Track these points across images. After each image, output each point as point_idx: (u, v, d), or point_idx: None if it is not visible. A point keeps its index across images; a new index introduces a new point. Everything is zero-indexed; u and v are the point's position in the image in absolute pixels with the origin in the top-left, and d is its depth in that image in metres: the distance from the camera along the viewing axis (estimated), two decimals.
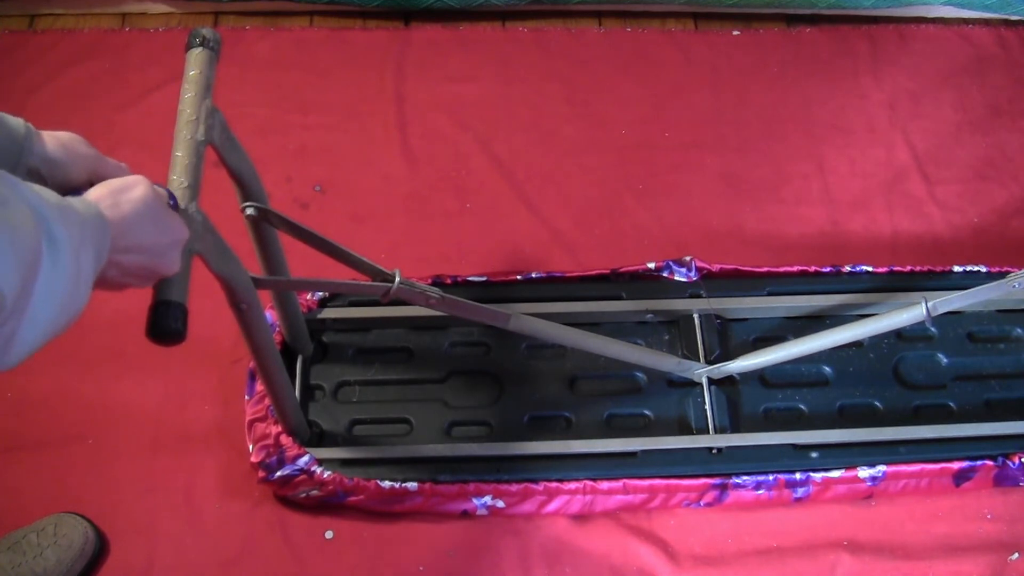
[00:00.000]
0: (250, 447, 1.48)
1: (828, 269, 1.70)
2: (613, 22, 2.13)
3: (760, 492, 1.50)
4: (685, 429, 1.53)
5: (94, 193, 0.82)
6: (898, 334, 1.64)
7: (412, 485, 1.45)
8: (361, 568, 1.48)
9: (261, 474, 1.46)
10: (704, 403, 1.55)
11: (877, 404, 1.58)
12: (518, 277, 1.67)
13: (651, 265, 1.67)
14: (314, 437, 1.50)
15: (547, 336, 1.43)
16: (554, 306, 1.60)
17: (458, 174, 1.89)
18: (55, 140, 0.88)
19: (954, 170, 1.95)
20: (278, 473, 1.44)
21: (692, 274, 1.66)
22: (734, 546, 1.51)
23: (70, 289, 0.71)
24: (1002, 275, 1.58)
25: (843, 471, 1.49)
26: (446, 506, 1.48)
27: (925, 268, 1.71)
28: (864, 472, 1.49)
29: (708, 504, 1.53)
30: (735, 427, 1.54)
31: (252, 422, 1.49)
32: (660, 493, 1.50)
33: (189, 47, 1.11)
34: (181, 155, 1.03)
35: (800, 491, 1.51)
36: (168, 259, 0.88)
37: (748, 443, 1.51)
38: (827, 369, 1.61)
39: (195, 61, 1.09)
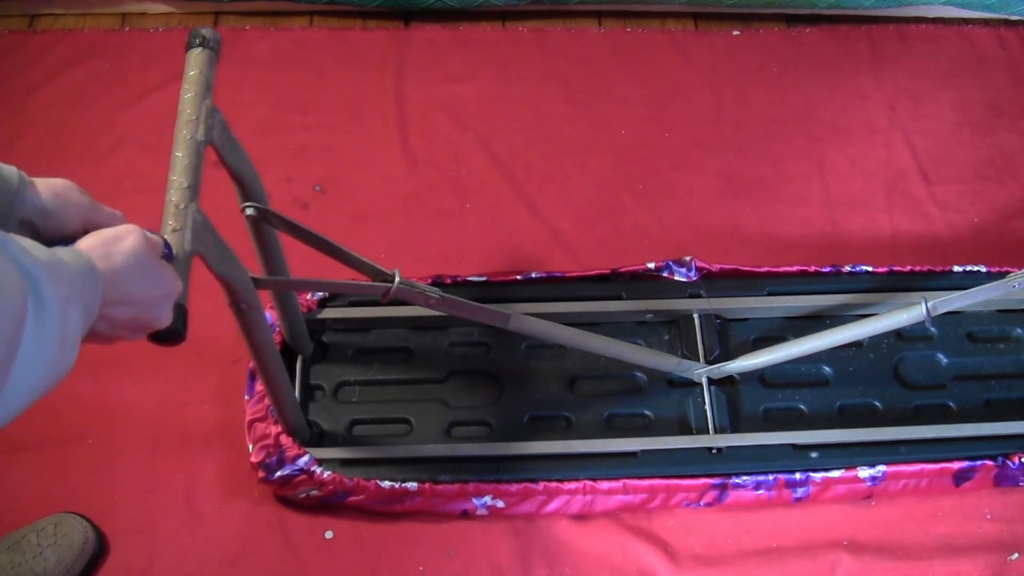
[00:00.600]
0: (250, 447, 1.48)
1: (828, 269, 1.70)
2: (613, 22, 2.13)
3: (760, 492, 1.50)
4: (685, 429, 1.53)
5: (85, 243, 0.80)
6: (898, 334, 1.64)
7: (412, 485, 1.45)
8: (361, 568, 1.48)
9: (261, 474, 1.46)
10: (704, 403, 1.55)
11: (877, 404, 1.58)
12: (518, 277, 1.67)
13: (651, 265, 1.67)
14: (314, 437, 1.50)
15: (547, 336, 1.43)
16: (554, 306, 1.60)
17: (458, 174, 1.89)
18: (49, 189, 0.85)
19: (954, 170, 1.95)
20: (278, 473, 1.44)
21: (692, 274, 1.66)
22: (734, 546, 1.51)
23: (55, 353, 0.68)
24: (1002, 275, 1.57)
25: (843, 471, 1.49)
26: (446, 506, 1.48)
27: (925, 268, 1.71)
28: (864, 472, 1.49)
29: (708, 504, 1.53)
30: (735, 427, 1.54)
31: (252, 422, 1.49)
32: (660, 493, 1.50)
33: (189, 47, 1.11)
34: (181, 155, 1.03)
35: (800, 491, 1.51)
36: (159, 312, 0.86)
37: (748, 443, 1.51)
38: (827, 369, 1.61)
39: (195, 61, 1.09)
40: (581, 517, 1.52)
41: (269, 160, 1.80)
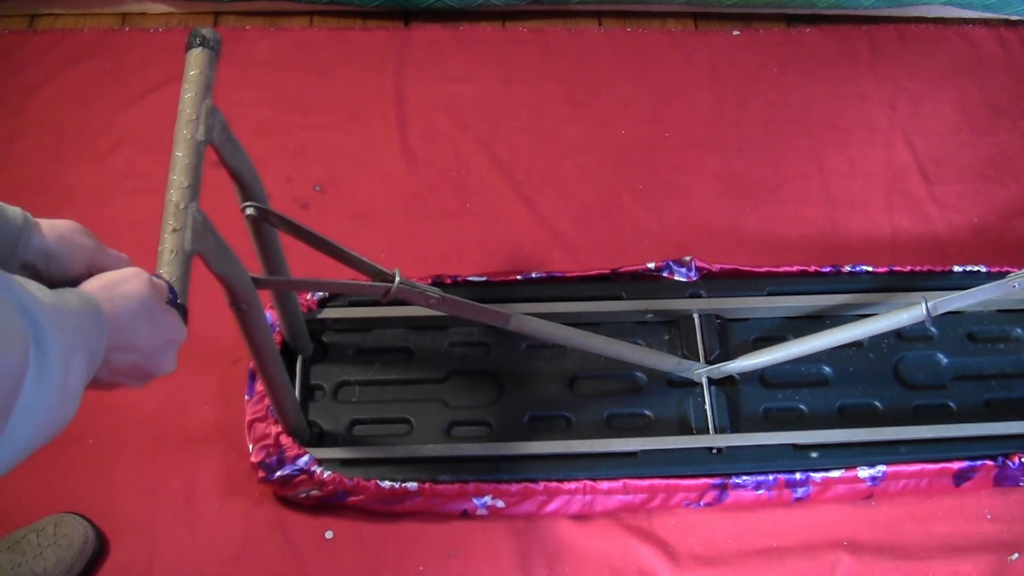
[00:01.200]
0: (250, 447, 1.48)
1: (828, 269, 1.70)
2: (613, 22, 2.13)
3: (760, 492, 1.50)
4: (685, 429, 1.53)
5: (89, 286, 0.77)
6: (898, 334, 1.64)
7: (412, 485, 1.45)
8: (361, 568, 1.48)
9: (261, 474, 1.46)
10: (704, 403, 1.55)
11: (877, 404, 1.58)
12: (518, 277, 1.67)
13: (651, 265, 1.67)
14: (314, 437, 1.50)
15: (547, 336, 1.43)
16: (554, 306, 1.60)
17: (458, 174, 1.89)
18: (54, 232, 0.83)
19: (954, 170, 1.95)
20: (278, 473, 1.44)
21: (692, 274, 1.66)
22: (734, 546, 1.51)
23: (56, 404, 0.66)
24: (1002, 275, 1.57)
25: (843, 471, 1.49)
26: (446, 506, 1.48)
27: (925, 268, 1.71)
28: (864, 472, 1.49)
29: (708, 504, 1.53)
30: (735, 427, 1.54)
31: (252, 422, 1.49)
32: (660, 493, 1.50)
33: (189, 47, 1.11)
34: (181, 155, 1.03)
35: (800, 491, 1.51)
36: (163, 360, 0.83)
37: (748, 443, 1.51)
38: (827, 369, 1.61)
39: (195, 61, 1.09)
40: (581, 517, 1.52)
41: (269, 160, 1.80)
